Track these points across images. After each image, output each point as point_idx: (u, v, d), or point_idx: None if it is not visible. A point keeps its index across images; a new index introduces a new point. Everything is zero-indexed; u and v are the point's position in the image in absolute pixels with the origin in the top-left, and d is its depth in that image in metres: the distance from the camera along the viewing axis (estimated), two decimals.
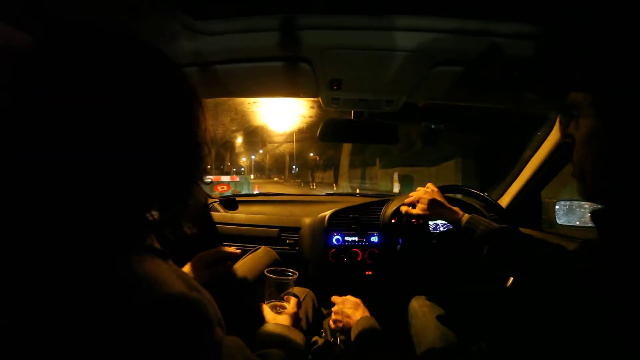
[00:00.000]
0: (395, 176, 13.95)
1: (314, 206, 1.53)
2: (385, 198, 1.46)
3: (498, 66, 0.80)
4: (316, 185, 23.59)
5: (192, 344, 0.31)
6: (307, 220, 1.39)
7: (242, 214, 1.45)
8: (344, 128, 1.06)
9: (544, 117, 1.29)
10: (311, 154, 29.57)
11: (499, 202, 1.34)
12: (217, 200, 1.54)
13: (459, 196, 1.32)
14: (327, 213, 1.36)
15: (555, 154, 1.23)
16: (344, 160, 14.71)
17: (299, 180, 28.73)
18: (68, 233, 0.32)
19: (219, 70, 0.82)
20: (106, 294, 0.30)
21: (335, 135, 1.09)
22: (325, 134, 1.06)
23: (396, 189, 12.83)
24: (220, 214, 1.45)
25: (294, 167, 34.50)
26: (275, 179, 35.69)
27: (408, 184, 11.86)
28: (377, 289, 1.28)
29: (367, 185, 19.08)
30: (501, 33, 0.69)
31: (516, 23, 0.68)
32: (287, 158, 34.59)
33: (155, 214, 0.39)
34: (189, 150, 0.39)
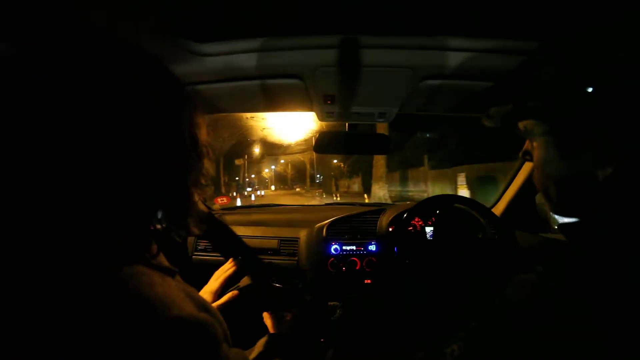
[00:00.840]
0: (462, 179, 10.05)
1: (313, 215, 1.55)
2: (382, 207, 1.48)
3: (481, 79, 0.83)
4: (341, 196, 20.30)
5: None
6: (305, 231, 1.41)
7: (242, 226, 1.47)
8: (338, 140, 1.10)
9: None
10: (335, 161, 27.73)
11: (492, 210, 1.36)
12: (217, 211, 1.57)
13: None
14: (325, 223, 1.39)
15: None
16: (379, 162, 11.64)
17: (321, 190, 26.06)
18: (70, 242, 0.31)
19: (215, 88, 0.86)
20: (112, 314, 0.29)
21: (330, 147, 1.12)
22: (320, 145, 1.09)
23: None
24: (221, 225, 1.47)
25: (318, 175, 32.82)
26: (298, 189, 34.02)
27: (487, 188, 7.92)
28: (376, 296, 1.29)
29: (411, 192, 14.57)
30: (482, 49, 0.73)
31: (496, 40, 0.72)
32: (308, 166, 32.88)
33: (158, 225, 0.38)
34: (186, 152, 0.39)
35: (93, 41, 0.33)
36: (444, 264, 1.18)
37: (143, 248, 0.38)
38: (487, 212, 1.21)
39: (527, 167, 1.33)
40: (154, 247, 0.40)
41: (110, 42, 0.34)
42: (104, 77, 0.32)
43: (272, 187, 37.98)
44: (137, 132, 0.33)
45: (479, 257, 1.12)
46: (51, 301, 0.28)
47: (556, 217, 0.42)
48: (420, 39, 0.72)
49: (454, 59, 0.76)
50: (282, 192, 32.48)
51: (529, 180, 1.34)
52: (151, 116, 0.35)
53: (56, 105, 0.29)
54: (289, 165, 38.96)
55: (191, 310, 0.33)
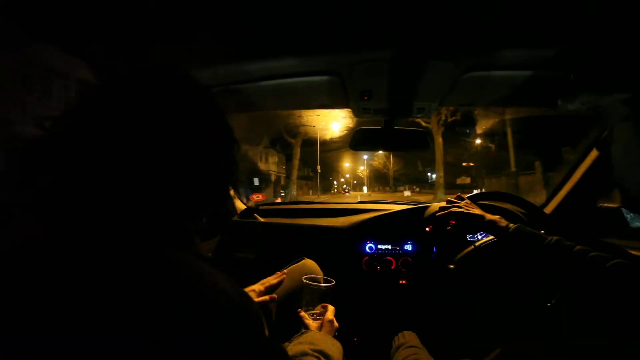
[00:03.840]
0: None
1: (346, 215, 1.54)
2: (420, 206, 1.44)
3: (528, 69, 0.78)
4: None
5: (252, 350, 0.33)
6: (339, 229, 1.40)
7: (277, 222, 1.50)
8: (375, 137, 1.08)
9: (592, 118, 1.20)
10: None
11: (544, 210, 1.26)
12: (253, 208, 1.61)
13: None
14: (361, 220, 1.37)
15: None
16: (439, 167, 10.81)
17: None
18: (141, 237, 0.34)
19: (255, 87, 0.88)
20: (175, 297, 0.31)
21: (366, 144, 1.11)
22: (356, 143, 1.08)
23: None
24: (256, 222, 1.51)
25: (430, 174, 29.47)
26: (407, 192, 29.06)
27: None
28: (411, 298, 1.26)
29: None
30: (529, 39, 0.68)
31: (545, 28, 0.66)
32: (391, 166, 30.63)
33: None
34: (227, 168, 0.45)
35: (161, 78, 0.41)
36: (484, 266, 1.12)
37: (194, 243, 0.42)
38: (534, 210, 1.12)
39: (587, 162, 1.21)
40: (201, 244, 0.43)
41: (182, 80, 0.42)
42: (161, 110, 0.39)
43: (365, 189, 31.58)
44: (190, 154, 0.40)
45: (522, 258, 1.05)
46: (122, 285, 0.30)
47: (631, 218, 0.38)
48: (463, 29, 0.69)
49: (500, 49, 0.71)
50: (381, 195, 29.16)
51: (588, 176, 1.22)
52: (202, 143, 0.41)
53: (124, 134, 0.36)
54: (392, 158, 32.73)
55: (241, 297, 0.36)
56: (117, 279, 0.30)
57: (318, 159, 22.48)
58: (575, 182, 1.24)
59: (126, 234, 0.34)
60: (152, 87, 0.39)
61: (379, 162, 34.02)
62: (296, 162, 17.07)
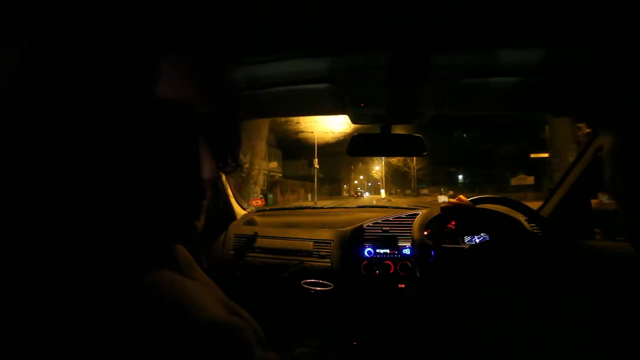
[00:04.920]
0: None
1: (346, 218, 1.55)
2: (417, 210, 1.45)
3: (528, 75, 0.79)
4: None
5: None
6: (338, 233, 1.41)
7: (277, 227, 1.51)
8: (373, 142, 1.09)
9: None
10: None
11: (540, 214, 1.27)
12: (252, 212, 1.62)
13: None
14: (359, 225, 1.38)
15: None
16: None
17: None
18: (106, 248, 0.31)
19: (250, 95, 0.89)
20: (144, 319, 0.28)
21: (364, 150, 1.12)
22: (354, 149, 1.09)
23: None
24: (256, 227, 1.52)
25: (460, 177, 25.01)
26: (434, 197, 23.78)
27: None
28: (409, 302, 1.27)
29: None
30: (530, 43, 0.69)
31: (545, 32, 0.67)
32: (414, 164, 25.20)
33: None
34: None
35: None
36: (482, 270, 1.13)
37: (172, 254, 0.39)
38: (533, 214, 1.13)
39: (580, 166, 1.22)
40: (185, 253, 0.41)
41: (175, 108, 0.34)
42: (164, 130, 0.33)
43: (382, 192, 27.10)
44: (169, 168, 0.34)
45: (521, 261, 1.05)
46: (83, 305, 0.27)
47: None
48: (461, 35, 0.69)
49: (498, 54, 0.72)
50: (403, 200, 23.94)
51: (581, 182, 1.23)
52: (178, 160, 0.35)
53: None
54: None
55: (223, 315, 0.33)
56: (77, 297, 0.27)
57: (316, 152, 19.70)
58: (570, 185, 1.25)
59: (88, 245, 0.30)
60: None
61: (399, 160, 28.83)
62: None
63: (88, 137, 0.30)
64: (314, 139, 19.94)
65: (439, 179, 30.33)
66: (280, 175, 22.66)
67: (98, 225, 0.31)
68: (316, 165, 19.82)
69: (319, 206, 1.82)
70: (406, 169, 30.31)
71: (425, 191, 30.14)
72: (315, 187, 21.02)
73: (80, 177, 0.30)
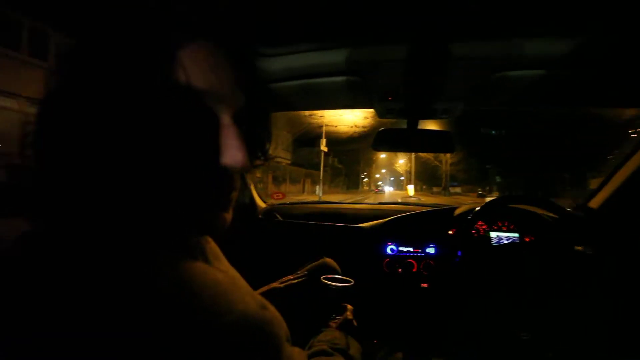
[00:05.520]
0: None
1: (368, 215, 1.53)
2: (443, 208, 1.41)
3: (570, 66, 0.74)
4: None
5: None
6: (360, 229, 1.40)
7: (298, 221, 1.51)
8: (399, 138, 1.06)
9: None
10: None
11: (589, 205, 1.19)
12: (275, 207, 1.63)
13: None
14: (382, 221, 1.36)
15: None
16: None
17: None
18: (140, 242, 0.31)
19: (278, 87, 0.89)
20: (179, 310, 0.28)
21: (390, 145, 1.09)
22: (380, 144, 1.07)
23: None
24: (277, 220, 1.53)
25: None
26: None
27: None
28: (432, 302, 1.24)
29: None
30: (564, 33, 0.65)
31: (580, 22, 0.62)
32: (448, 158, 20.62)
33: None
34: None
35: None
36: (511, 274, 1.08)
37: (202, 246, 0.39)
38: (565, 214, 1.07)
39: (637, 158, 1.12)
40: (213, 245, 0.41)
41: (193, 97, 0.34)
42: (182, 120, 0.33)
43: (411, 189, 21.39)
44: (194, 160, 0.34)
45: (559, 269, 1.00)
46: (118, 300, 0.27)
47: None
48: (492, 24, 0.66)
49: (534, 45, 0.68)
50: (434, 199, 20.06)
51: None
52: (205, 151, 0.35)
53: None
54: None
55: (255, 308, 0.33)
56: (102, 286, 0.28)
57: (323, 134, 16.42)
58: (625, 178, 1.14)
59: (118, 236, 0.31)
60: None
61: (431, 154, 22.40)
62: None
63: (126, 129, 0.31)
64: (329, 124, 17.17)
65: (472, 177, 26.45)
66: (289, 162, 19.04)
67: (133, 215, 0.32)
68: (323, 148, 15.99)
69: (340, 201, 1.81)
70: (436, 163, 26.31)
71: (457, 190, 26.20)
72: (322, 177, 16.87)
73: (119, 168, 0.31)
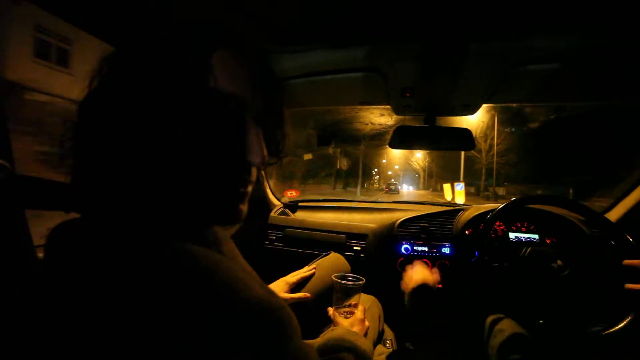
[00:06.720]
0: None
1: (381, 214, 1.52)
2: (458, 207, 1.38)
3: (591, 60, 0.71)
4: None
5: (277, 349, 0.32)
6: (374, 227, 1.38)
7: (311, 219, 1.51)
8: (417, 135, 1.04)
9: None
10: None
11: (606, 215, 1.15)
12: (287, 204, 1.64)
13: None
14: (397, 220, 1.34)
15: None
16: None
17: None
18: (159, 233, 0.33)
19: (297, 83, 0.89)
20: (196, 296, 0.29)
21: (407, 143, 1.08)
22: (397, 141, 1.05)
23: None
24: (290, 218, 1.54)
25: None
26: None
27: None
28: (446, 302, 1.21)
29: None
30: (587, 25, 0.62)
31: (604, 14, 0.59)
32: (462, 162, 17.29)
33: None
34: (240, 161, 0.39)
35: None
36: (531, 274, 1.05)
37: (218, 236, 0.41)
38: (594, 216, 1.02)
39: None
40: (227, 236, 0.42)
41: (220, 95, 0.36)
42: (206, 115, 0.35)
43: (448, 189, 7.21)
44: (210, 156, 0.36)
45: (580, 269, 0.96)
46: (145, 282, 0.30)
47: None
48: (512, 18, 0.64)
49: (553, 39, 0.65)
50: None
51: None
52: (223, 145, 0.37)
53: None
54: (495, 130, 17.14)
55: (265, 295, 0.33)
56: (124, 275, 0.30)
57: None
58: None
59: (138, 228, 0.33)
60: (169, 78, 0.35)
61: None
62: None
63: (158, 129, 0.34)
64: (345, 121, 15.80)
65: (523, 172, 17.89)
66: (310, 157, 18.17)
67: (160, 207, 0.35)
68: (360, 151, 13.55)
69: (353, 199, 1.80)
70: (474, 154, 18.09)
71: (501, 192, 18.35)
72: (360, 178, 14.29)
73: (150, 164, 0.34)
